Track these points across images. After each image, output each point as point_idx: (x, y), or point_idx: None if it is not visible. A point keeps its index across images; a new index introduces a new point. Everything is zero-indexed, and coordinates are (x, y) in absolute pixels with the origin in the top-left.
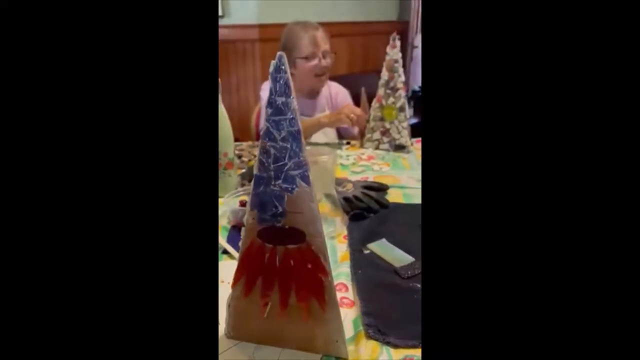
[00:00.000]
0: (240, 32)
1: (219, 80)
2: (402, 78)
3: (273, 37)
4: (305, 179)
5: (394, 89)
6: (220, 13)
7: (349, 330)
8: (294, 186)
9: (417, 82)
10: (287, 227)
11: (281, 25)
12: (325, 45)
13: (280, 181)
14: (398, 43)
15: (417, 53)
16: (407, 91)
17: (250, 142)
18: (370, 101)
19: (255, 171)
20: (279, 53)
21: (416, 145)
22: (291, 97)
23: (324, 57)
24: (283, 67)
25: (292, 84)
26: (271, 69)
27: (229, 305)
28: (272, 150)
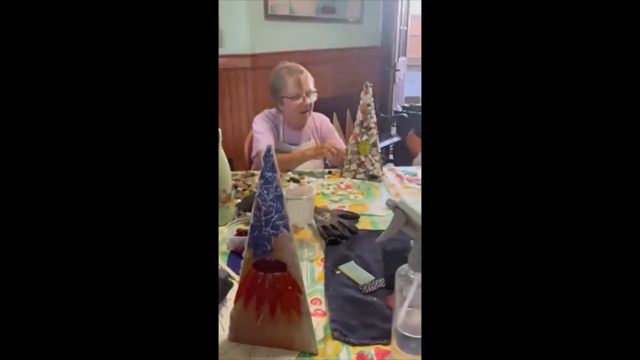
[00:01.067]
0: (233, 61)
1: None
2: (374, 119)
3: (263, 66)
4: (286, 226)
5: (368, 128)
6: None
7: (320, 334)
8: (278, 232)
9: (400, 103)
10: (273, 260)
11: (271, 55)
12: (309, 86)
13: (269, 228)
14: (370, 90)
15: (400, 75)
16: (389, 113)
17: (244, 172)
18: (353, 119)
19: (251, 221)
20: (268, 146)
21: (387, 174)
22: (276, 173)
23: (307, 96)
24: (271, 153)
25: (277, 165)
26: (263, 154)
27: (231, 316)
28: (263, 207)
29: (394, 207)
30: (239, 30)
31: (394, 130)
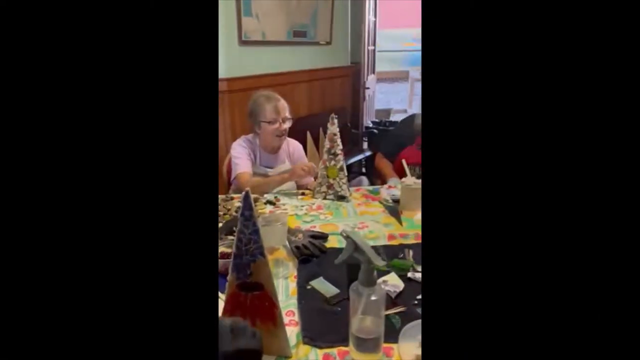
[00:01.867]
0: None
1: None
2: (340, 146)
3: (239, 89)
4: (262, 254)
5: (335, 154)
6: None
7: (293, 340)
8: (256, 258)
9: (370, 118)
10: (253, 282)
11: (246, 78)
12: (284, 113)
13: (248, 256)
14: (336, 121)
15: (369, 93)
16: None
17: (223, 196)
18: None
19: (234, 250)
20: (245, 192)
21: (354, 195)
22: (253, 211)
23: (283, 122)
24: (249, 195)
25: (254, 208)
26: (241, 198)
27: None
28: (244, 239)
29: (346, 236)
30: None
31: (365, 144)
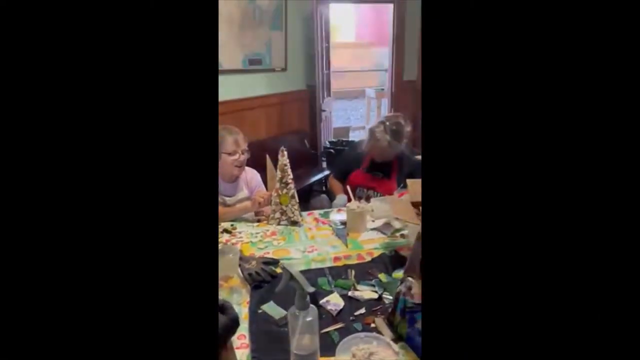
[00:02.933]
0: None
1: None
2: (291, 176)
3: None
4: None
5: (286, 183)
6: None
7: None
8: None
9: (328, 138)
10: None
11: None
12: (243, 145)
13: None
14: (285, 153)
15: (325, 114)
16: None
17: None
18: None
19: None
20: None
21: (306, 219)
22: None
23: (242, 153)
24: None
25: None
26: None
27: None
28: None
29: (283, 268)
30: None
31: (324, 164)
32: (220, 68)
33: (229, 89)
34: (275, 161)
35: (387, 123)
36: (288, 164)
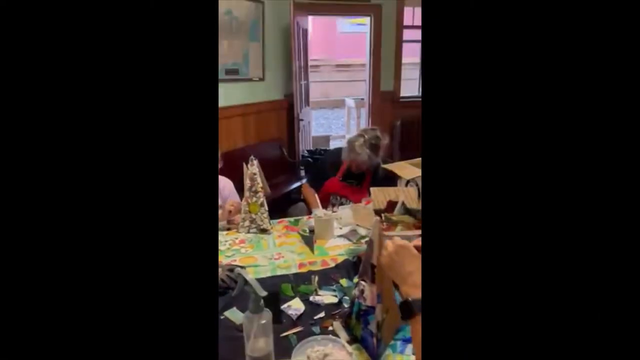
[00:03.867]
0: None
1: None
2: (260, 184)
3: None
4: None
5: (255, 192)
6: None
7: None
8: None
9: (306, 147)
10: None
11: None
12: None
13: None
14: (255, 162)
15: (303, 124)
16: (297, 157)
17: None
18: (263, 167)
19: None
20: None
21: (276, 227)
22: None
23: None
24: None
25: None
26: None
27: None
28: None
29: (238, 274)
30: None
31: (302, 172)
32: None
33: None
34: (262, 164)
35: (367, 137)
36: (257, 173)
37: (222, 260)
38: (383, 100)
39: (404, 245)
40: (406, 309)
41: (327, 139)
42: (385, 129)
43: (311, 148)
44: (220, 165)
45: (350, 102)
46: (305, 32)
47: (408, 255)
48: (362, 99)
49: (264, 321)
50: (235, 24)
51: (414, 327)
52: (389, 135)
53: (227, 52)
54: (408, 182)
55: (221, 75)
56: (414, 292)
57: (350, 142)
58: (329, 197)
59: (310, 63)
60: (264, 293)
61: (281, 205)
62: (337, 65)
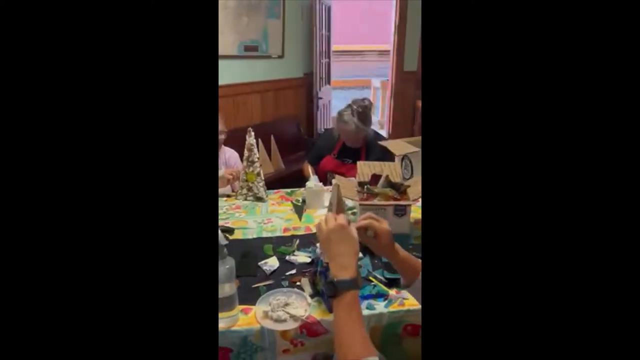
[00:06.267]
0: None
1: None
2: (257, 155)
3: None
4: None
5: (252, 162)
6: None
7: None
8: None
9: (324, 126)
10: None
11: None
12: (221, 126)
13: None
14: (252, 134)
15: (323, 102)
16: (314, 135)
17: None
18: (278, 144)
19: None
20: None
21: (272, 196)
22: None
23: (220, 134)
24: None
25: None
26: None
27: None
28: None
29: None
30: None
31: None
32: None
33: (225, 73)
34: (268, 146)
35: (354, 107)
36: (254, 144)
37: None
38: (405, 81)
39: (343, 225)
40: (331, 288)
41: None
42: (407, 110)
43: (328, 127)
44: (224, 137)
45: (376, 82)
46: (328, 9)
47: (344, 236)
48: (388, 79)
49: (227, 266)
50: (254, 1)
51: (336, 308)
52: (411, 116)
53: (246, 28)
54: (403, 158)
55: (240, 51)
56: (341, 273)
57: (339, 113)
58: (326, 175)
59: (333, 42)
60: (224, 242)
61: (295, 181)
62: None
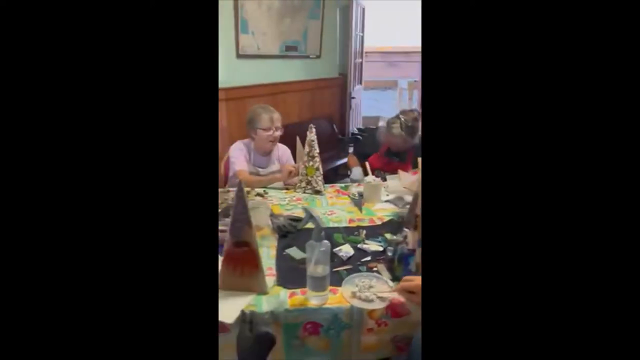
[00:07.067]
0: None
1: None
2: (317, 150)
3: (235, 97)
4: (249, 223)
5: (312, 157)
6: None
7: (270, 284)
8: (244, 224)
9: (356, 125)
10: (243, 241)
11: (242, 88)
12: (278, 123)
13: (240, 223)
14: (314, 130)
15: (355, 102)
16: (347, 135)
17: (222, 189)
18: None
19: (231, 219)
20: (239, 182)
21: (328, 190)
22: (244, 193)
23: (276, 130)
24: (241, 183)
25: (244, 190)
26: (236, 186)
27: (220, 276)
28: (238, 212)
29: (304, 208)
30: None
31: (351, 149)
32: (259, 53)
33: (265, 73)
34: (304, 143)
35: (403, 119)
36: (315, 140)
37: (283, 212)
38: None
39: None
40: None
41: (376, 119)
42: None
43: (361, 127)
44: (280, 133)
45: (403, 83)
46: (363, 10)
47: None
48: (416, 80)
49: (323, 249)
50: (297, 2)
51: None
52: None
53: (288, 28)
54: None
55: (281, 51)
56: None
57: (388, 124)
58: (374, 173)
59: (365, 42)
60: (324, 226)
61: (329, 179)
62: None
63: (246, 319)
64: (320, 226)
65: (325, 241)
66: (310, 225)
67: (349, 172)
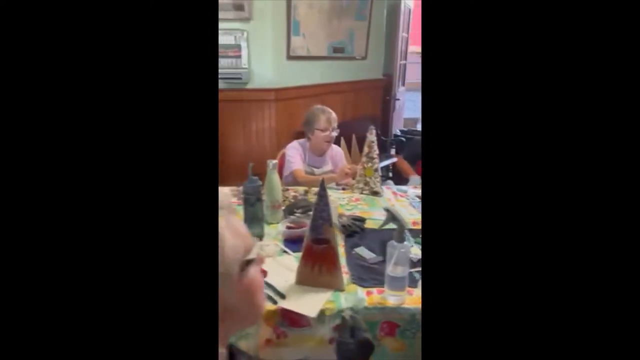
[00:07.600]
0: (260, 95)
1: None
2: (377, 151)
3: (284, 98)
4: (330, 221)
5: (371, 158)
6: (245, 80)
7: (346, 281)
8: (325, 222)
9: (399, 127)
10: (323, 238)
11: (290, 89)
12: (334, 124)
13: (321, 221)
14: (374, 131)
15: (399, 104)
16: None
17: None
18: (359, 143)
19: (312, 217)
20: (320, 181)
21: (385, 192)
22: (325, 192)
23: (332, 130)
24: (323, 183)
25: (326, 188)
26: (319, 187)
27: (298, 272)
28: (320, 210)
29: (386, 209)
30: (265, 69)
31: (393, 151)
32: (308, 54)
33: (313, 74)
34: (348, 144)
35: None
36: (375, 141)
37: (345, 212)
38: None
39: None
40: None
41: (415, 121)
42: None
43: (403, 128)
44: (336, 134)
45: None
46: (409, 11)
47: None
48: None
49: (404, 250)
50: (346, 3)
51: None
52: None
53: (336, 30)
54: None
55: (329, 52)
56: None
57: None
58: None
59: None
60: (409, 227)
61: None
62: None
63: (347, 324)
64: (403, 227)
65: (407, 242)
66: (390, 225)
67: (406, 181)
